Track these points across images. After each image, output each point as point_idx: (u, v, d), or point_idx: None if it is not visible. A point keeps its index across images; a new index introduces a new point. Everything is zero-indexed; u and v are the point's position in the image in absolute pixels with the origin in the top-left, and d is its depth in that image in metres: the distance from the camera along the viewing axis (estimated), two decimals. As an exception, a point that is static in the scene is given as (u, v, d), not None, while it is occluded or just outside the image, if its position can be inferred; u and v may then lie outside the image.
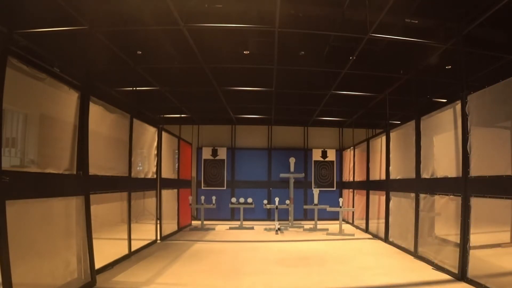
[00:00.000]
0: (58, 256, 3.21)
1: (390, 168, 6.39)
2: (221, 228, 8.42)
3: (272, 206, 8.65)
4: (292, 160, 9.06)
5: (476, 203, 3.79)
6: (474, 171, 3.83)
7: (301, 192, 10.31)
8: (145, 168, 5.96)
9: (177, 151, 7.87)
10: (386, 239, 6.42)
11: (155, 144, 6.43)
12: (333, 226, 7.98)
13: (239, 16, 4.46)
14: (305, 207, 9.51)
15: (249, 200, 8.74)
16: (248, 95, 7.83)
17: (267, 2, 4.15)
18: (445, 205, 4.50)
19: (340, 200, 8.15)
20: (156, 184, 6.36)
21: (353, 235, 7.43)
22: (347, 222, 9.48)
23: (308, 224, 8.52)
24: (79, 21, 4.20)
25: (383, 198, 6.60)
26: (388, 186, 6.43)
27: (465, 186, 3.93)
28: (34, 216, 2.88)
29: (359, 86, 7.10)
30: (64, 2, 3.79)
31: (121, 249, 4.87)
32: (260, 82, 6.92)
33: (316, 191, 8.29)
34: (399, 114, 8.90)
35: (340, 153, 10.72)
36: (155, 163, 6.35)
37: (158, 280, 3.93)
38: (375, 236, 7.08)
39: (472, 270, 3.78)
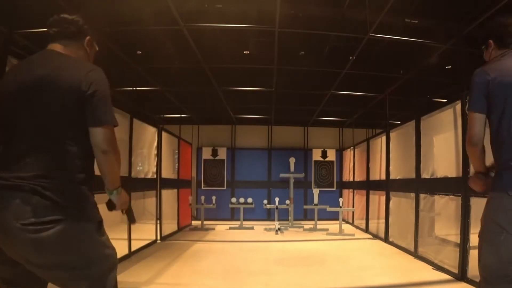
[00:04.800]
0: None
1: (390, 168, 6.38)
2: (221, 228, 8.42)
3: (272, 206, 8.64)
4: (292, 160, 9.05)
5: (476, 203, 3.78)
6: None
7: (301, 192, 10.30)
8: (145, 168, 5.95)
9: (177, 151, 7.87)
10: (386, 239, 6.42)
11: (155, 144, 6.43)
12: (333, 226, 7.98)
13: (239, 16, 4.46)
14: (305, 207, 9.51)
15: (249, 200, 8.74)
16: (248, 95, 7.83)
17: (267, 2, 4.15)
18: (445, 205, 4.49)
19: (340, 200, 8.15)
20: (156, 184, 6.36)
21: (353, 235, 7.43)
22: (347, 222, 9.48)
23: (308, 224, 8.52)
24: (79, 21, 4.19)
25: (383, 198, 6.60)
26: (388, 186, 6.43)
27: (465, 186, 3.93)
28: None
29: (359, 86, 7.10)
30: (64, 2, 3.79)
31: (121, 249, 4.86)
32: (260, 82, 6.92)
33: (316, 191, 8.28)
34: (399, 114, 8.91)
35: (340, 153, 10.72)
36: (155, 163, 6.35)
37: (158, 280, 3.93)
38: (375, 236, 7.08)
39: (472, 270, 3.77)
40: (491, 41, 1.87)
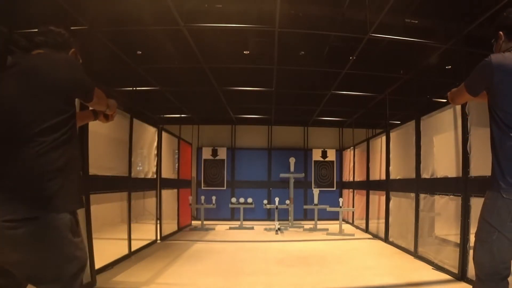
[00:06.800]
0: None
1: (390, 168, 6.39)
2: (221, 228, 8.42)
3: (272, 206, 8.64)
4: (292, 160, 9.05)
5: (476, 203, 3.78)
6: (474, 171, 3.82)
7: (301, 192, 10.30)
8: (145, 168, 5.96)
9: (177, 151, 7.87)
10: (386, 239, 6.42)
11: (155, 144, 6.43)
12: (333, 226, 7.98)
13: (239, 16, 4.46)
14: (305, 207, 9.51)
15: (249, 200, 8.74)
16: (248, 95, 7.83)
17: (267, 2, 4.15)
18: (445, 205, 4.50)
19: (340, 200, 8.15)
20: (156, 184, 6.36)
21: (353, 235, 7.43)
22: (347, 222, 9.48)
23: (308, 224, 8.52)
24: (79, 21, 4.20)
25: (383, 198, 6.60)
26: (388, 186, 6.43)
27: (465, 186, 3.93)
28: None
29: (359, 86, 7.10)
30: (64, 2, 3.79)
31: (121, 249, 4.87)
32: (260, 82, 6.92)
33: (316, 191, 8.28)
34: (399, 114, 8.91)
35: (340, 153, 10.72)
36: (155, 163, 6.35)
37: (158, 280, 3.93)
38: (375, 236, 7.08)
39: (472, 270, 3.76)
40: (501, 32, 1.80)
